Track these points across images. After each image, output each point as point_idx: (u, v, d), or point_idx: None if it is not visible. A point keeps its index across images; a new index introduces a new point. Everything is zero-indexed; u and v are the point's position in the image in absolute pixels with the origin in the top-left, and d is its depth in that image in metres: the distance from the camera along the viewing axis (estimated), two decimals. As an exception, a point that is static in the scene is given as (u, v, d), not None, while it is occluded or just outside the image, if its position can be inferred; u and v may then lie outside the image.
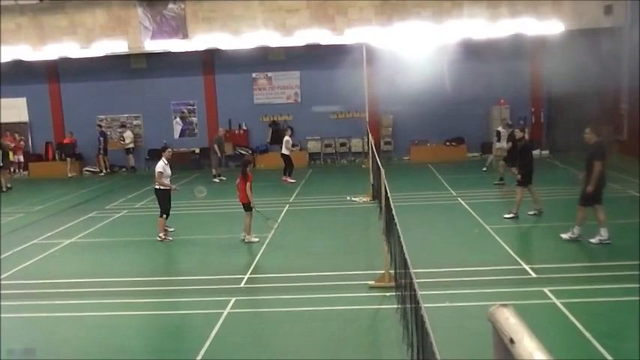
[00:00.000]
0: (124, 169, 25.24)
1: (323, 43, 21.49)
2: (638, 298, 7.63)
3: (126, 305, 8.79)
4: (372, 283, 8.78)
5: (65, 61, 23.36)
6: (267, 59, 24.24)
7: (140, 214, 15.62)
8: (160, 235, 12.44)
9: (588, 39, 20.18)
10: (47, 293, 9.42)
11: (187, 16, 21.60)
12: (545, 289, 8.25)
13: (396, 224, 6.81)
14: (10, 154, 24.19)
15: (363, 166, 20.87)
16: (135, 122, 25.73)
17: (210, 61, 24.56)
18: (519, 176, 12.75)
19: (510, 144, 15.30)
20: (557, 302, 7.78)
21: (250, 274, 9.95)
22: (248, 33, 21.24)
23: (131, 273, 10.48)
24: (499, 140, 18.23)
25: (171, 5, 21.60)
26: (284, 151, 19.75)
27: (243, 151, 24.04)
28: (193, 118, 25.54)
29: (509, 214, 12.77)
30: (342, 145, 24.50)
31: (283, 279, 9.58)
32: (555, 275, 9.03)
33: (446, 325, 6.99)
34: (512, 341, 1.86)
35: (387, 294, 8.24)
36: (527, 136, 14.90)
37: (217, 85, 25.04)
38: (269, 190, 17.69)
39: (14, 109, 25.42)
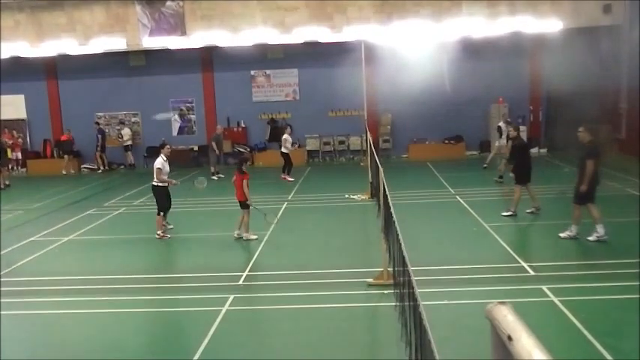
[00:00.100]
0: (122, 167, 25.23)
1: (322, 41, 21.48)
2: (637, 296, 7.64)
3: (124, 303, 8.79)
4: (370, 280, 8.78)
5: (63, 58, 23.35)
6: (265, 57, 24.23)
7: (138, 212, 15.61)
8: (159, 232, 12.44)
9: (587, 38, 20.21)
10: (46, 290, 9.42)
11: (186, 13, 21.57)
12: (544, 287, 8.26)
13: (394, 222, 6.81)
14: (9, 151, 24.19)
15: (362, 164, 20.87)
16: (133, 119, 25.71)
17: (208, 58, 24.55)
18: (512, 174, 12.84)
19: (510, 142, 15.31)
20: (556, 300, 7.79)
21: (249, 271, 9.95)
22: (247, 30, 21.22)
23: (129, 270, 10.47)
24: (501, 136, 18.24)
25: (169, 2, 21.57)
26: (284, 149, 19.73)
27: (241, 149, 24.04)
28: (192, 116, 25.53)
29: (507, 212, 12.78)
30: (341, 142, 24.50)
31: (282, 276, 9.58)
32: (554, 273, 9.05)
33: (444, 323, 7.00)
34: (510, 339, 1.86)
35: (386, 292, 8.25)
36: (525, 135, 14.90)
37: (216, 82, 25.02)
38: (268, 188, 17.70)
39: (12, 106, 25.37)
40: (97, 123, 24.97)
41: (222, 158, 22.79)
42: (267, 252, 11.12)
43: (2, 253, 11.66)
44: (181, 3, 21.51)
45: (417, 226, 12.19)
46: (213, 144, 21.24)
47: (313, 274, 9.56)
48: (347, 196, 16.02)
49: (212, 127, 23.80)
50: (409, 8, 20.59)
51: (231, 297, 8.60)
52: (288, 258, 10.74)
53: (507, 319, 1.95)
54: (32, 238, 12.94)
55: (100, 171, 24.47)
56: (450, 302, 7.95)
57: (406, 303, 5.81)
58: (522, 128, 20.43)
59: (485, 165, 19.70)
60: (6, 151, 23.70)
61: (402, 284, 6.36)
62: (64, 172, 24.08)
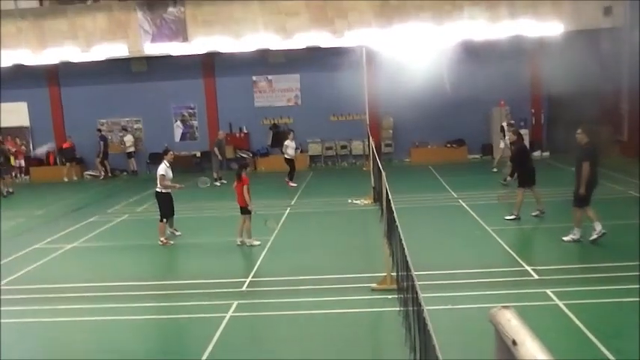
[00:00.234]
0: (124, 173, 25.26)
1: (323, 45, 21.52)
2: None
3: (128, 309, 8.79)
4: (374, 285, 8.77)
5: (66, 65, 23.41)
6: (267, 62, 24.26)
7: (142, 218, 15.61)
8: (161, 239, 12.44)
9: (588, 40, 20.19)
10: (49, 298, 9.41)
11: (187, 19, 21.64)
12: (548, 291, 8.24)
13: (397, 226, 6.80)
14: (12, 158, 24.24)
15: (364, 168, 20.85)
16: (135, 126, 25.75)
17: (210, 64, 24.60)
18: (510, 178, 12.84)
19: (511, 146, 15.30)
20: (560, 304, 7.77)
21: (252, 277, 9.95)
22: (248, 36, 21.28)
23: (133, 277, 10.47)
24: (504, 136, 18.23)
25: (171, 8, 21.65)
26: (287, 155, 19.70)
27: (243, 154, 24.06)
28: (194, 122, 25.57)
29: (510, 215, 12.76)
30: (343, 147, 24.51)
31: (285, 282, 9.57)
32: (558, 277, 9.01)
33: (448, 328, 6.98)
34: (514, 343, 1.86)
35: (389, 297, 8.24)
36: (527, 138, 14.90)
37: (218, 88, 25.07)
38: (270, 193, 17.69)
39: (15, 114, 25.43)
40: (100, 130, 25.02)
41: (225, 164, 22.80)
42: (270, 258, 11.12)
43: (6, 261, 11.68)
44: (183, 8, 21.59)
45: (420, 231, 12.16)
46: (216, 150, 21.25)
47: (316, 279, 9.54)
48: (350, 200, 16.01)
49: (214, 132, 23.81)
50: (410, 12, 20.63)
51: (235, 303, 8.60)
52: (292, 264, 10.72)
53: (511, 323, 1.96)
54: (36, 246, 12.96)
55: (102, 178, 24.50)
56: (454, 307, 7.93)
57: (410, 308, 5.80)
58: (524, 131, 20.44)
59: (494, 169, 19.63)
60: (9, 159, 23.76)
61: (405, 289, 6.35)
62: (65, 180, 24.12)
